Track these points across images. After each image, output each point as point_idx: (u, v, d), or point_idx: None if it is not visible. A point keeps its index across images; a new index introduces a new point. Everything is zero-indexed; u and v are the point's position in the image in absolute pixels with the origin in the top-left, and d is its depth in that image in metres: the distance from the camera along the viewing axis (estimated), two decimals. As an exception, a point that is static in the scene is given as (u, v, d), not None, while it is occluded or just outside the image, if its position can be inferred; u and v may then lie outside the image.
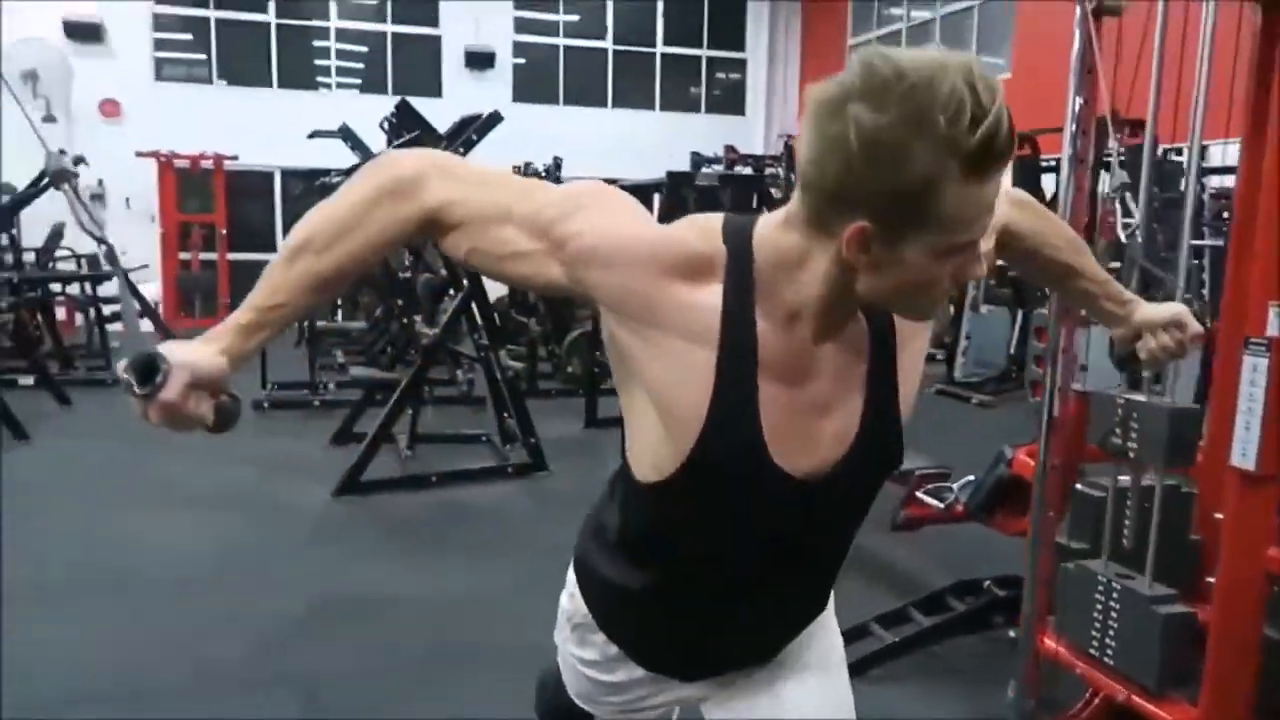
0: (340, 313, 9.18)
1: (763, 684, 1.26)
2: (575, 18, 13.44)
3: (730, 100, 14.13)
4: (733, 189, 5.25)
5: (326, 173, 6.73)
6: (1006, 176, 0.94)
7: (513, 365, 5.07)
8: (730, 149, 11.17)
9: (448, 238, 1.04)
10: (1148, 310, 1.48)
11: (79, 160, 9.41)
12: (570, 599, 1.32)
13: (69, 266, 9.32)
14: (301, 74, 12.42)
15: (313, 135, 6.57)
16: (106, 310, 8.34)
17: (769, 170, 11.51)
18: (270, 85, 12.24)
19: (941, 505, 3.06)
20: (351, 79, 12.75)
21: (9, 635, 2.99)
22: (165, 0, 11.82)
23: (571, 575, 1.32)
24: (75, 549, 3.93)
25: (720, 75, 14.10)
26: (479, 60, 12.57)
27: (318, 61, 12.63)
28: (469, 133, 4.61)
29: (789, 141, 10.39)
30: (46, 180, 9.08)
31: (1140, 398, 2.23)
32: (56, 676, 2.81)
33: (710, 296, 0.98)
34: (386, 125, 5.14)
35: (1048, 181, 6.67)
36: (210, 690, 2.77)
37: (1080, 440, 2.96)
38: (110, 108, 11.51)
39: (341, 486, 4.62)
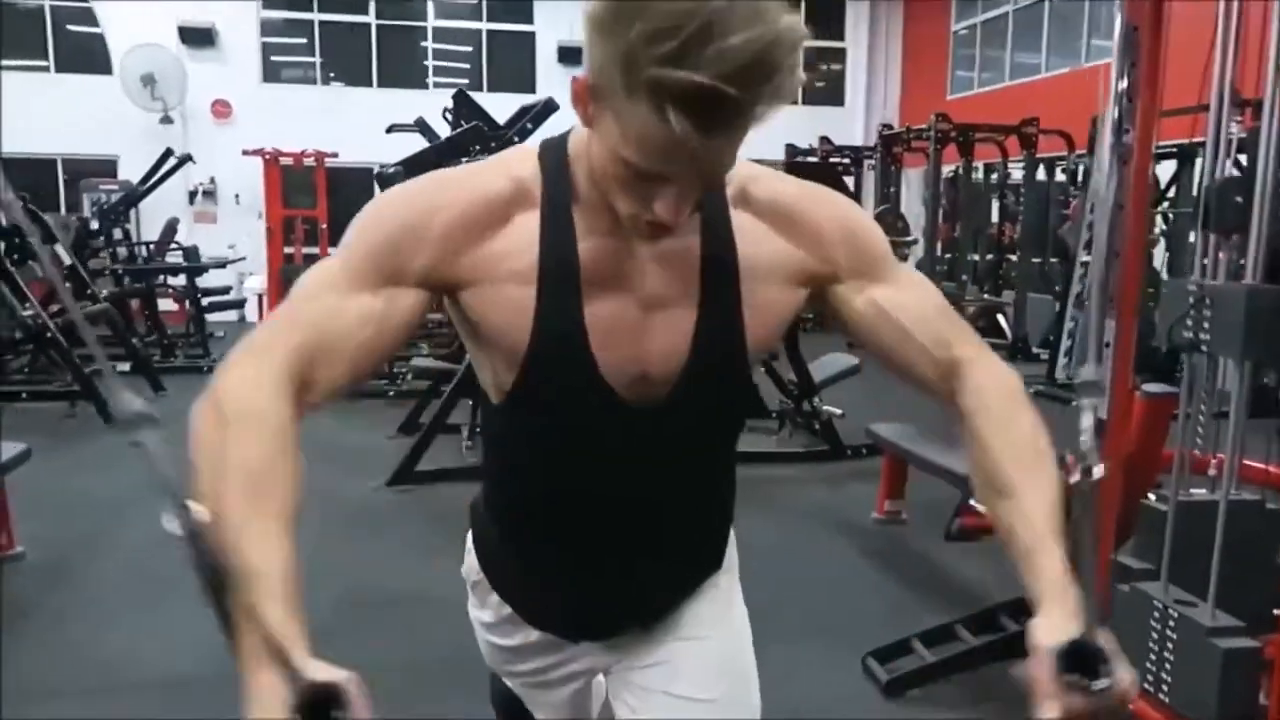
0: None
1: (659, 653, 1.19)
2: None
3: (828, 91, 13.76)
4: (802, 176, 5.01)
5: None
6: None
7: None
8: (825, 140, 10.86)
9: (317, 387, 0.91)
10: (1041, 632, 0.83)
11: (187, 158, 9.91)
12: (467, 556, 1.27)
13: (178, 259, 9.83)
14: (401, 73, 12.69)
15: (390, 130, 6.65)
16: (205, 301, 8.69)
17: (866, 161, 11.18)
18: (371, 85, 12.55)
19: (995, 514, 2.80)
20: (449, 77, 12.95)
21: (73, 616, 3.05)
22: (272, 5, 12.24)
23: (469, 533, 1.27)
24: (136, 533, 4.03)
25: (819, 65, 13.75)
26: (572, 55, 12.59)
27: (418, 61, 12.88)
28: (524, 121, 4.54)
29: (883, 131, 10.01)
30: (158, 179, 9.57)
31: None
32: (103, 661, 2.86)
33: (526, 231, 0.98)
34: (447, 116, 5.13)
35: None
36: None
37: (1151, 446, 2.67)
38: (221, 108, 12.00)
39: (395, 476, 4.62)
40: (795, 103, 13.43)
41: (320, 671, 0.71)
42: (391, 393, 6.66)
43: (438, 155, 4.68)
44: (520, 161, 1.01)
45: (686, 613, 1.20)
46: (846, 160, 11.07)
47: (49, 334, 6.07)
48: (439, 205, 0.97)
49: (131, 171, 10.59)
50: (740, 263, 1.02)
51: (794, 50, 0.80)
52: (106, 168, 11.52)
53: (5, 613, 3.25)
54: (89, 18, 11.70)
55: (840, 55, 13.72)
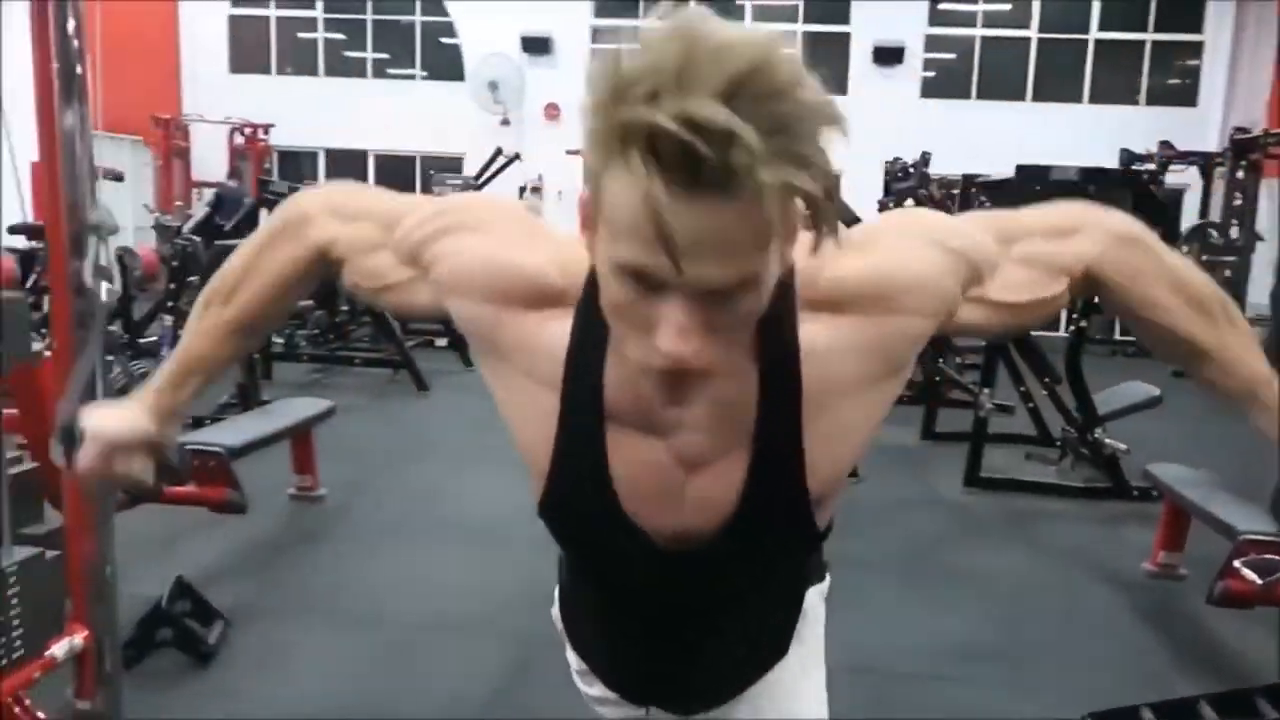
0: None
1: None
2: (1004, 6, 12.55)
3: (1179, 90, 12.26)
4: (1097, 189, 4.52)
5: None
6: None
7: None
8: (1165, 145, 9.71)
9: (341, 274, 1.04)
10: None
11: (516, 158, 10.85)
12: (553, 606, 1.28)
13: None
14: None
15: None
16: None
17: (1218, 169, 9.87)
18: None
19: (1260, 582, 2.41)
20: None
21: (350, 550, 3.54)
22: (603, 14, 13.05)
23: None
24: (414, 482, 4.55)
25: (1170, 62, 12.29)
26: (887, 56, 12.23)
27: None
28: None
29: (1235, 136, 8.78)
30: (490, 175, 10.56)
31: None
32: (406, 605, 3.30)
33: (558, 334, 0.88)
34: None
35: None
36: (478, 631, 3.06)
37: None
38: (552, 110, 12.99)
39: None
40: (1136, 103, 12.13)
41: (105, 418, 1.04)
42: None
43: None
44: (578, 265, 0.86)
45: (750, 694, 1.15)
46: (1187, 165, 9.83)
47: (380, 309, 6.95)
48: (480, 248, 0.91)
49: (474, 169, 11.79)
50: (806, 393, 0.85)
51: (814, 117, 0.66)
52: (454, 165, 12.92)
53: (298, 543, 3.81)
54: (453, 30, 13.17)
55: (1196, 50, 12.17)
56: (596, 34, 13.14)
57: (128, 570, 3.00)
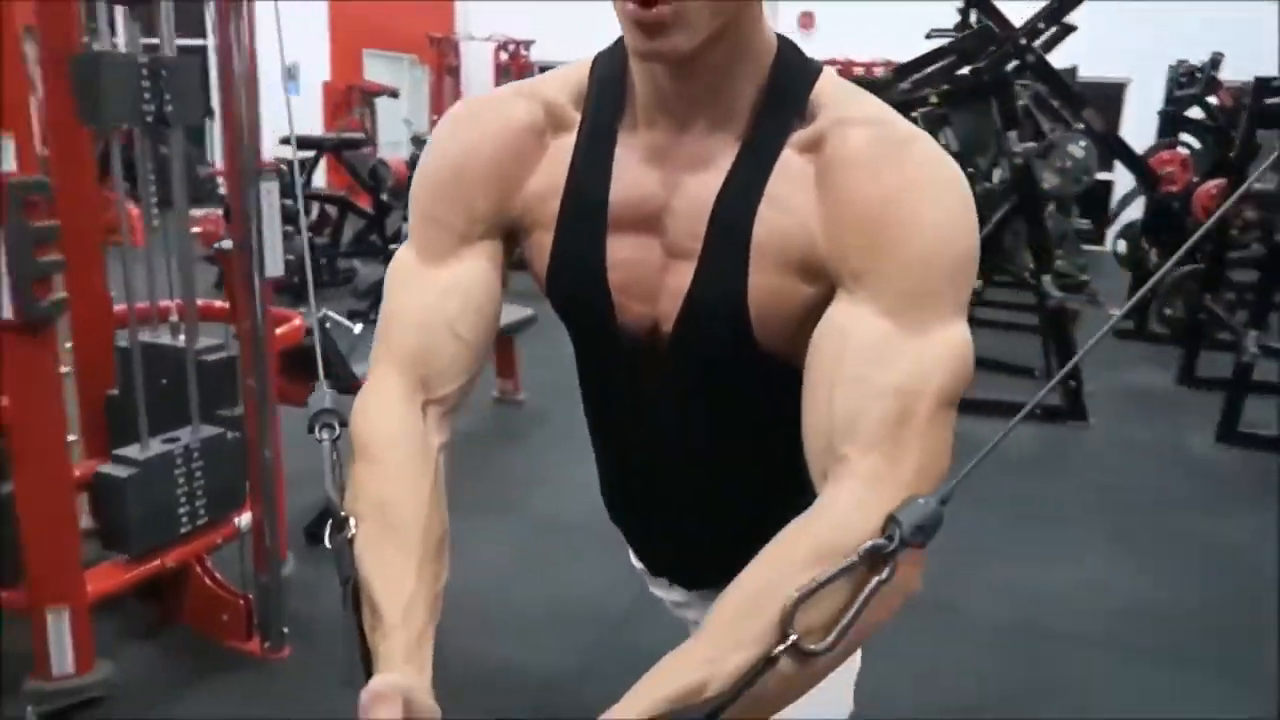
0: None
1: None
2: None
3: None
4: None
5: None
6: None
7: (1057, 294, 4.38)
8: None
9: (442, 389, 0.88)
10: None
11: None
12: None
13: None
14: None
15: (929, 35, 6.34)
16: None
17: None
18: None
19: None
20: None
21: (541, 453, 3.69)
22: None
23: None
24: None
25: None
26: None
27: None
28: (1036, 20, 4.00)
29: None
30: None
31: None
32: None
33: (559, 163, 0.88)
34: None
35: None
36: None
37: None
38: (806, 20, 12.49)
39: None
40: None
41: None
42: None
43: (931, 61, 4.37)
44: (560, 80, 0.90)
45: None
46: None
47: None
48: (467, 150, 0.89)
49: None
50: (758, 222, 0.81)
51: None
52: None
53: (495, 443, 4.03)
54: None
55: None
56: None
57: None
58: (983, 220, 4.76)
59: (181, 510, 2.33)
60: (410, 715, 0.64)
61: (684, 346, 0.88)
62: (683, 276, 0.85)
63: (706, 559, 1.09)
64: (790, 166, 0.80)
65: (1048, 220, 4.83)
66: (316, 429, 0.85)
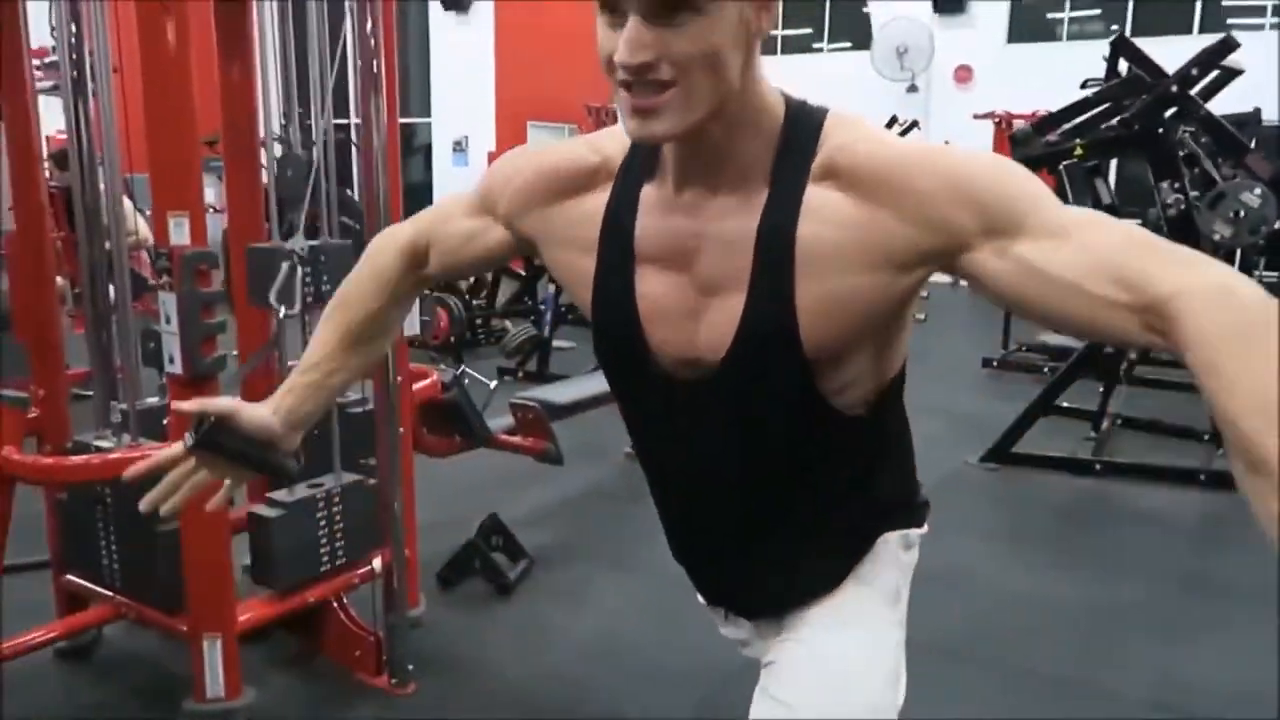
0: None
1: (774, 651, 1.16)
2: None
3: None
4: None
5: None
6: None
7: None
8: None
9: (429, 261, 1.18)
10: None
11: (914, 125, 10.46)
12: None
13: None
14: (1169, 19, 11.35)
15: (1084, 85, 6.14)
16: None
17: None
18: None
19: None
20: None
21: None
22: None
23: None
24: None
25: None
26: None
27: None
28: (1189, 67, 3.84)
29: None
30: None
31: None
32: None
33: (599, 204, 1.02)
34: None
35: None
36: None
37: None
38: (963, 74, 12.29)
39: (989, 453, 4.45)
40: None
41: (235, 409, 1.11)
42: (1045, 369, 6.29)
43: (1078, 112, 4.25)
44: (617, 136, 1.03)
45: (801, 615, 1.14)
46: None
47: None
48: (528, 165, 1.08)
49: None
50: (799, 245, 0.91)
51: None
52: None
53: (621, 497, 4.11)
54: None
55: None
56: (1016, -13, 12.14)
57: (466, 506, 3.51)
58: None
59: (323, 550, 2.53)
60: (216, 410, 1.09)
61: (732, 374, 0.97)
62: (727, 307, 0.95)
63: (754, 583, 1.16)
64: (816, 194, 0.91)
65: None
66: None
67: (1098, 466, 4.31)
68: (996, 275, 0.86)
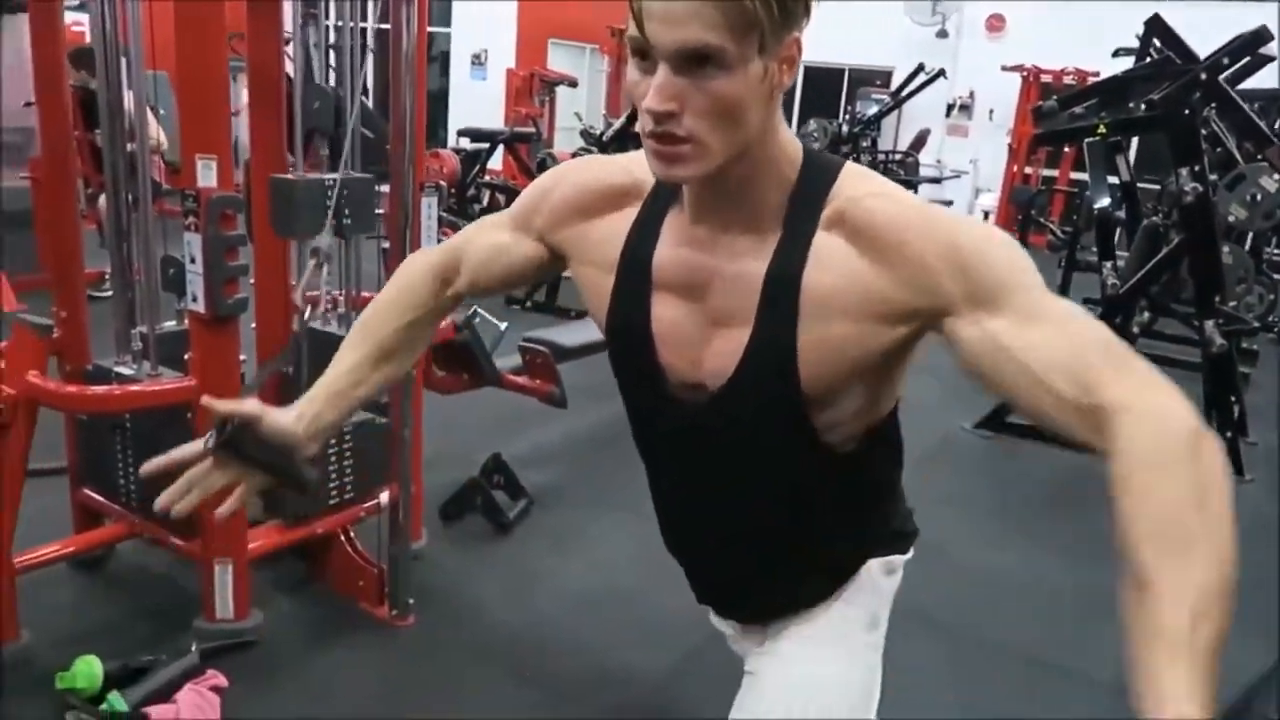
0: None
1: (755, 661, 1.23)
2: None
3: None
4: None
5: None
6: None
7: (1220, 340, 4.14)
8: None
9: (459, 278, 1.22)
10: None
11: (940, 74, 10.29)
12: None
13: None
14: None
15: (1116, 54, 6.07)
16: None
17: None
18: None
19: None
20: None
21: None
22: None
23: None
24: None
25: None
26: None
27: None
28: (1220, 54, 3.80)
29: None
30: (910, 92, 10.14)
31: None
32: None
33: (624, 225, 1.07)
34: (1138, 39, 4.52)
35: None
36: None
37: None
38: (995, 22, 12.02)
39: (984, 420, 4.54)
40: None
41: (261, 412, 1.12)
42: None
43: (1108, 90, 4.21)
44: (639, 158, 1.05)
45: (783, 629, 1.22)
46: None
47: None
48: (566, 181, 1.13)
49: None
50: (804, 290, 0.96)
51: None
52: (883, 78, 12.55)
53: (625, 441, 4.19)
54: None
55: None
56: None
57: (470, 441, 3.59)
58: (1156, 253, 4.58)
59: (332, 485, 2.62)
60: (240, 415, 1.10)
61: (731, 402, 1.02)
62: (732, 339, 1.01)
63: (737, 594, 1.24)
64: (824, 241, 0.97)
65: (1226, 256, 4.55)
66: None
67: (1088, 443, 4.39)
68: (968, 343, 0.91)
